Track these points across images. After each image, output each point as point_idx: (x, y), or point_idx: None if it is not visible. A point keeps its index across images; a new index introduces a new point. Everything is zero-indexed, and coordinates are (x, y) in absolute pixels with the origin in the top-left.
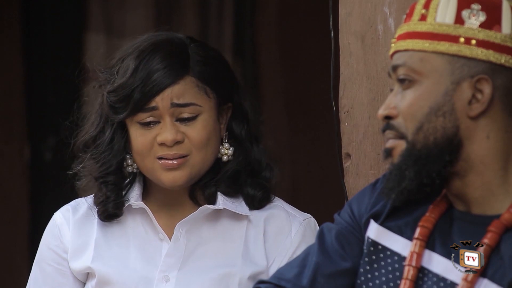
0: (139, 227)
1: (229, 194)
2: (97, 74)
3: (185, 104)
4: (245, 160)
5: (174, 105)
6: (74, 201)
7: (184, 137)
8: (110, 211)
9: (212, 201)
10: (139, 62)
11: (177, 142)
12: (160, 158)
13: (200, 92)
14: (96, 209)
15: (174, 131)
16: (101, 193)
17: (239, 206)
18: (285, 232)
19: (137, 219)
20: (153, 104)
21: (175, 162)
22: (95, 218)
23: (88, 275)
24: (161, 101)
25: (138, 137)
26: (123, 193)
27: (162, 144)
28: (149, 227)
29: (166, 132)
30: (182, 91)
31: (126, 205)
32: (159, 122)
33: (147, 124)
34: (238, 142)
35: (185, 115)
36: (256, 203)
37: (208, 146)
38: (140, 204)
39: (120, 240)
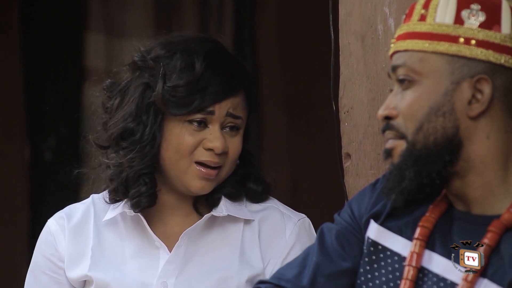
0: (134, 234)
1: (233, 196)
2: (134, 58)
3: (237, 116)
4: (250, 170)
5: (229, 114)
6: (67, 207)
7: (227, 148)
8: (145, 203)
9: (214, 205)
10: (207, 65)
11: (223, 152)
12: (198, 164)
13: (245, 107)
14: (131, 201)
15: (224, 140)
16: (136, 186)
17: (241, 209)
18: (279, 233)
19: (133, 226)
20: (211, 108)
21: (213, 172)
22: (90, 225)
23: (85, 282)
24: (220, 108)
25: (186, 135)
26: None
27: (209, 150)
28: (145, 234)
29: (217, 140)
30: (238, 103)
31: (121, 212)
32: (208, 127)
33: (197, 124)
34: (242, 155)
35: (232, 125)
36: (257, 196)
37: (236, 160)
38: (134, 213)
39: (116, 247)
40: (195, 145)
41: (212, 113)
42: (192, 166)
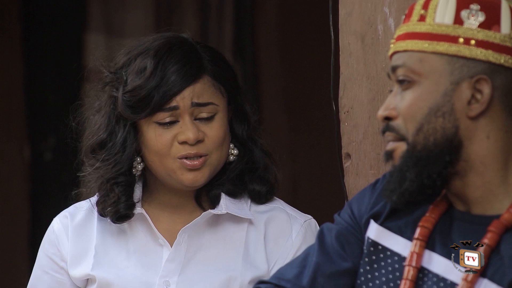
0: (138, 233)
1: (234, 193)
2: (102, 74)
3: (205, 103)
4: (249, 160)
5: (195, 105)
6: (72, 206)
7: (204, 136)
8: (122, 212)
9: (216, 203)
10: (158, 62)
11: (198, 141)
12: (181, 158)
13: (216, 91)
14: (106, 212)
15: (195, 129)
16: (112, 194)
17: (242, 209)
18: (286, 234)
19: (137, 224)
20: (173, 103)
21: (197, 162)
22: (94, 224)
23: (87, 281)
24: (182, 100)
25: (157, 136)
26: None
27: (183, 143)
28: (148, 232)
29: (188, 131)
30: (202, 90)
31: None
32: (178, 121)
33: (166, 124)
34: (240, 142)
35: (204, 115)
36: (262, 198)
37: (224, 145)
38: (139, 210)
39: (119, 246)
40: (170, 142)
41: (176, 108)
42: (177, 162)
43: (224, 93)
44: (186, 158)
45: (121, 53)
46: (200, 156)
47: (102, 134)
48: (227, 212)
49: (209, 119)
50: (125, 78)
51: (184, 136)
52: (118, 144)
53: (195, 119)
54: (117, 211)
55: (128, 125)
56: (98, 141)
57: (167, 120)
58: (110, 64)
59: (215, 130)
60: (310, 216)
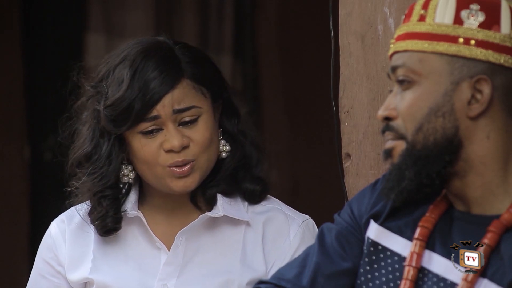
0: (136, 236)
1: (228, 193)
2: (86, 88)
3: (186, 108)
4: (242, 155)
5: (176, 111)
6: (69, 209)
7: (189, 141)
8: (110, 226)
9: (212, 204)
10: (134, 72)
11: (184, 147)
12: (170, 167)
13: (197, 93)
14: (94, 225)
15: (180, 136)
16: (99, 208)
17: (239, 210)
18: (283, 235)
19: (134, 228)
20: (154, 113)
21: (185, 169)
22: (91, 227)
23: (86, 284)
24: (163, 108)
25: (143, 147)
26: (121, 206)
27: (169, 151)
28: (146, 236)
29: (172, 138)
30: (182, 95)
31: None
32: (162, 129)
33: (149, 133)
34: (232, 138)
35: (187, 119)
36: (256, 197)
37: (211, 146)
38: (135, 213)
39: (117, 250)
40: (156, 151)
41: (157, 117)
42: (166, 170)
43: (206, 94)
44: (174, 166)
45: (102, 64)
46: (188, 163)
47: (87, 147)
48: (224, 215)
49: (193, 122)
50: (106, 91)
51: (169, 144)
52: (103, 157)
53: (179, 124)
54: (105, 225)
55: (112, 138)
56: (83, 154)
57: (150, 129)
58: (92, 75)
59: (200, 134)
60: (307, 216)
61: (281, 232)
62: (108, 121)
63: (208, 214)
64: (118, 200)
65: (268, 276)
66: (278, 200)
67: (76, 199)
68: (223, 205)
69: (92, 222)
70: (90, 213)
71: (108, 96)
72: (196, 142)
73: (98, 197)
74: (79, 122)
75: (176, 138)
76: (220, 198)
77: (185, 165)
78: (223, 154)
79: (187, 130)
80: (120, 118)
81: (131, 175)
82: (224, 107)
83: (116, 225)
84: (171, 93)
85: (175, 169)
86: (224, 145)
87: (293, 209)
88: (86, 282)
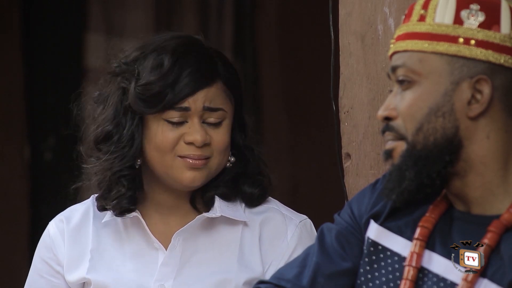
0: (134, 236)
1: (228, 196)
2: (111, 64)
3: (215, 108)
4: (245, 168)
5: (206, 109)
6: (67, 209)
7: (210, 139)
8: (126, 206)
9: (210, 205)
10: (175, 60)
11: (205, 144)
12: (183, 157)
13: (227, 98)
14: (111, 205)
15: (204, 132)
16: (118, 187)
17: (236, 211)
18: (281, 235)
19: (132, 228)
20: (186, 104)
21: (199, 162)
22: (89, 227)
23: (83, 284)
24: (194, 102)
25: (164, 133)
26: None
27: (189, 144)
28: (143, 236)
29: (196, 133)
30: (214, 95)
31: (110, 219)
32: (186, 122)
33: (174, 123)
34: (238, 151)
35: (212, 120)
36: (255, 201)
37: (225, 152)
38: (134, 213)
39: (115, 250)
40: (175, 140)
41: (187, 109)
42: (177, 160)
43: (232, 100)
44: (188, 157)
45: (132, 48)
46: (204, 158)
47: (109, 125)
48: (222, 215)
49: (217, 124)
50: (137, 71)
51: (192, 137)
52: (126, 137)
53: (203, 122)
54: (122, 205)
55: (137, 119)
56: (104, 133)
57: (176, 119)
58: (119, 55)
59: (221, 136)
60: (305, 216)
61: (278, 232)
62: (138, 100)
63: (206, 214)
64: (135, 181)
65: (265, 276)
66: (276, 200)
67: (88, 180)
68: (221, 206)
69: (106, 204)
70: (103, 197)
71: (142, 77)
72: (216, 143)
73: (117, 176)
74: (92, 99)
75: (200, 133)
76: (218, 199)
77: (200, 159)
78: (228, 164)
79: (209, 129)
80: (151, 99)
81: (137, 162)
82: (237, 121)
83: (131, 206)
84: (206, 90)
85: (189, 160)
86: (230, 156)
87: (290, 209)
88: (84, 282)
